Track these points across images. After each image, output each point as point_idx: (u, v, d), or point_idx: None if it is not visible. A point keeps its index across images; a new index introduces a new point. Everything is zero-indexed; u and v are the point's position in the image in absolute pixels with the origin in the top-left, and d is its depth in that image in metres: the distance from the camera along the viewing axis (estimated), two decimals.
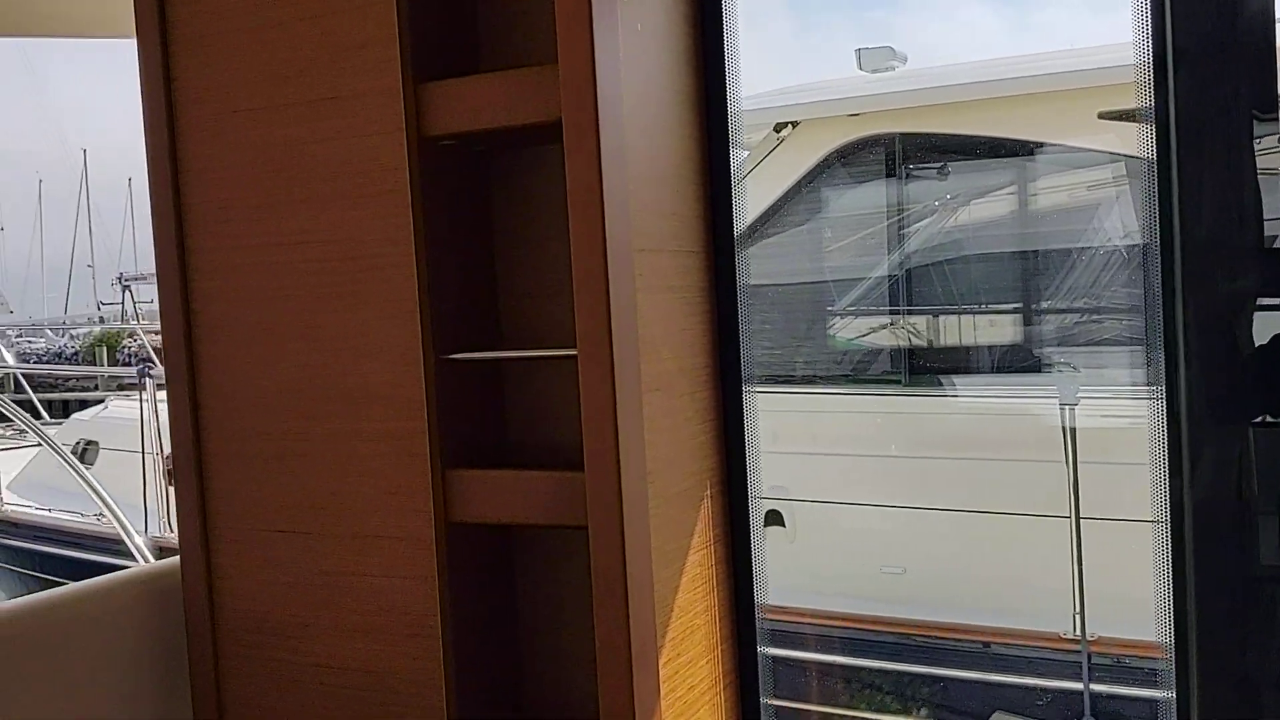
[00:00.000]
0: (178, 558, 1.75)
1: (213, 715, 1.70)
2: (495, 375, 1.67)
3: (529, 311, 1.67)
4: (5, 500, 7.73)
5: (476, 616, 1.60)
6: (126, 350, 30.88)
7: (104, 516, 5.27)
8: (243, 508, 1.66)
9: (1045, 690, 4.01)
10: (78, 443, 8.82)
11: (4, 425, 8.17)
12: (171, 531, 7.26)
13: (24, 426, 8.08)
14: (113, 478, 7.82)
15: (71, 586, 1.77)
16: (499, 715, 1.64)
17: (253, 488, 1.65)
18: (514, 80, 1.43)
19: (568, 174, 1.38)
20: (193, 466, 1.68)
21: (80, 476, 4.59)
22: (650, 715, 1.43)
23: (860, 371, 5.00)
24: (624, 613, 1.40)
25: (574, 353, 1.42)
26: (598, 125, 1.37)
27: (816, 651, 4.23)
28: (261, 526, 1.65)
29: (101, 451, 8.24)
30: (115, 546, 6.11)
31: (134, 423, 7.67)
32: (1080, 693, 3.88)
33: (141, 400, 7.21)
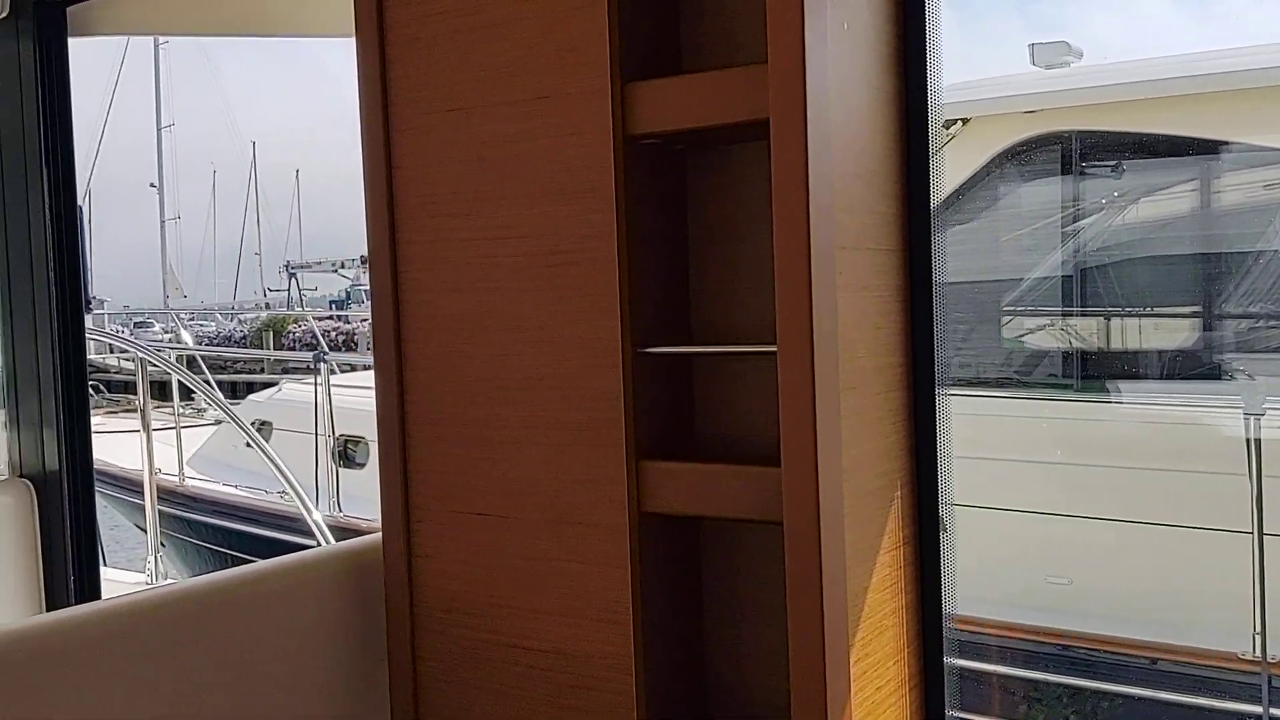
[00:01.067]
0: (378, 535, 1.84)
1: (409, 689, 1.77)
2: (686, 370, 1.70)
3: (718, 308, 1.70)
4: (186, 476, 8.15)
5: (665, 605, 1.63)
6: (291, 335, 32.20)
7: (286, 494, 5.51)
8: (443, 490, 1.73)
9: (1221, 712, 3.86)
10: (253, 422, 9.24)
11: (186, 403, 8.60)
12: (340, 511, 7.56)
13: (203, 405, 8.50)
14: (285, 458, 8.15)
15: (280, 559, 1.87)
16: (684, 701, 1.68)
17: (453, 471, 1.71)
18: (722, 80, 1.46)
19: (774, 172, 1.40)
20: (397, 448, 1.76)
21: (266, 455, 4.81)
22: (841, 713, 1.44)
23: (1025, 374, 4.89)
24: (818, 609, 1.41)
25: (772, 349, 1.43)
26: (805, 124, 1.38)
27: (985, 661, 4.16)
28: (460, 509, 1.71)
29: (275, 432, 8.63)
30: (291, 524, 6.40)
31: (305, 405, 8.01)
32: (1259, 717, 3.72)
33: (316, 384, 7.52)
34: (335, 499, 7.74)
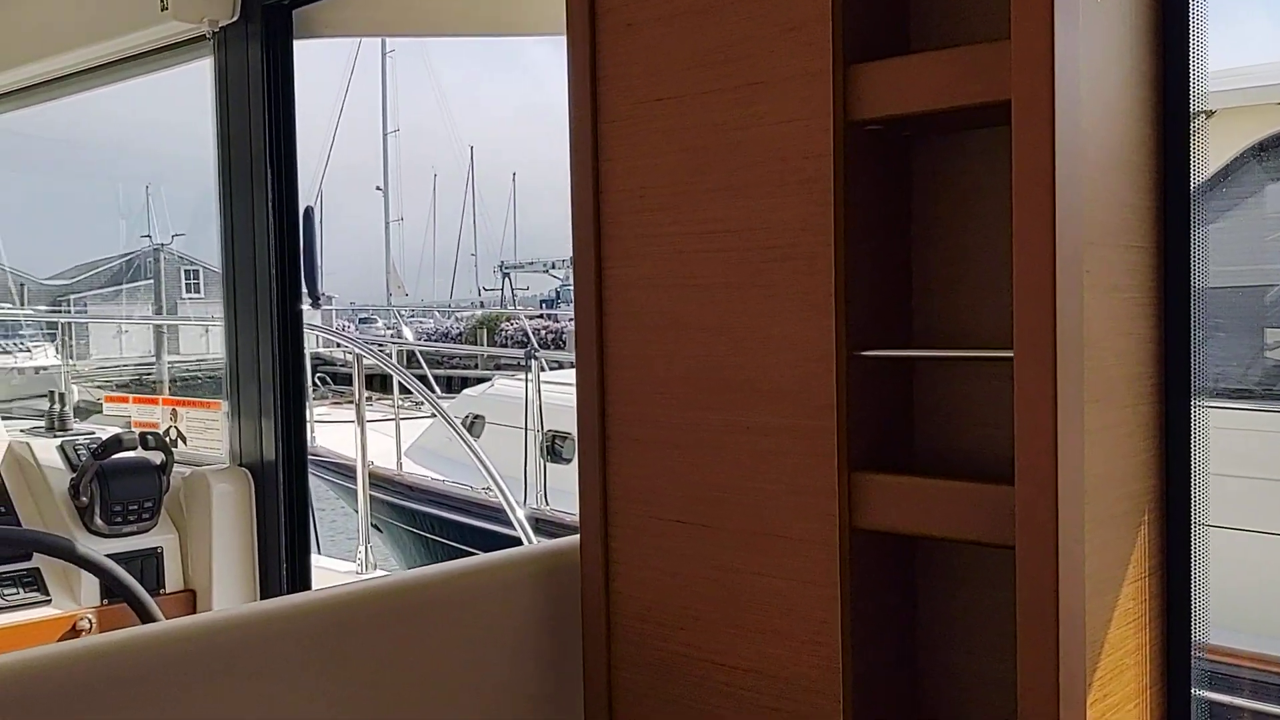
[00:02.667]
0: (575, 538, 1.78)
1: (603, 700, 1.71)
2: (906, 375, 1.58)
3: (942, 309, 1.56)
4: (403, 465, 8.45)
5: (876, 630, 1.51)
6: (504, 332, 33.20)
7: (490, 490, 5.62)
8: (643, 495, 1.66)
9: None
10: (467, 416, 9.51)
11: (405, 396, 8.92)
12: (547, 505, 7.67)
13: (421, 399, 8.79)
14: (495, 451, 8.36)
15: (480, 557, 1.84)
16: None
17: (653, 475, 1.64)
18: (957, 59, 1.33)
19: (1015, 159, 1.27)
20: (597, 450, 1.70)
21: (472, 451, 4.90)
22: None
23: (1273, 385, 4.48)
24: (1053, 644, 1.27)
25: (1008, 354, 1.30)
26: (1053, 106, 1.24)
27: (1237, 695, 3.82)
28: (659, 515, 1.64)
29: (487, 426, 8.85)
30: (497, 515, 6.52)
31: (516, 400, 8.18)
32: None
33: (526, 380, 7.67)
34: (543, 493, 7.87)
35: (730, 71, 1.51)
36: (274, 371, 2.80)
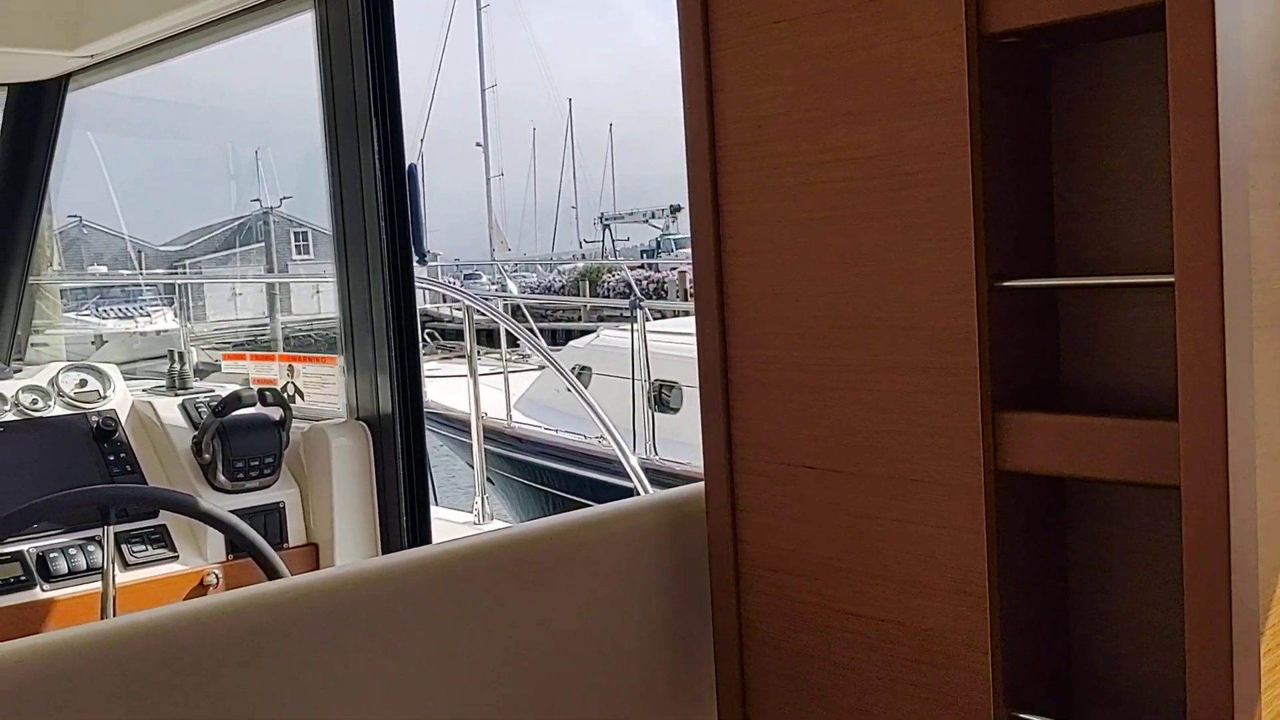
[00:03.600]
0: (698, 485, 1.73)
1: (734, 651, 1.66)
2: (1051, 306, 1.48)
3: (1088, 234, 1.46)
4: (513, 419, 8.53)
5: (1025, 577, 1.43)
6: (606, 284, 33.27)
7: (603, 438, 5.62)
8: (769, 440, 1.59)
9: None
10: (574, 367, 9.54)
11: (511, 350, 8.98)
12: (656, 454, 7.66)
13: (528, 351, 8.84)
14: (603, 401, 8.36)
15: (598, 508, 1.80)
16: (1046, 687, 1.47)
17: (780, 420, 1.57)
18: None
19: (1171, 66, 1.15)
20: (719, 395, 1.63)
21: (584, 400, 4.89)
22: (1250, 711, 1.20)
23: None
24: (1225, 589, 1.17)
25: (1167, 279, 1.19)
26: (1213, 5, 1.12)
27: None
28: (788, 461, 1.57)
29: (594, 377, 8.86)
30: (608, 465, 6.53)
31: (621, 351, 8.18)
32: None
33: (632, 331, 7.64)
34: (651, 442, 7.86)
35: None
36: (387, 326, 2.79)
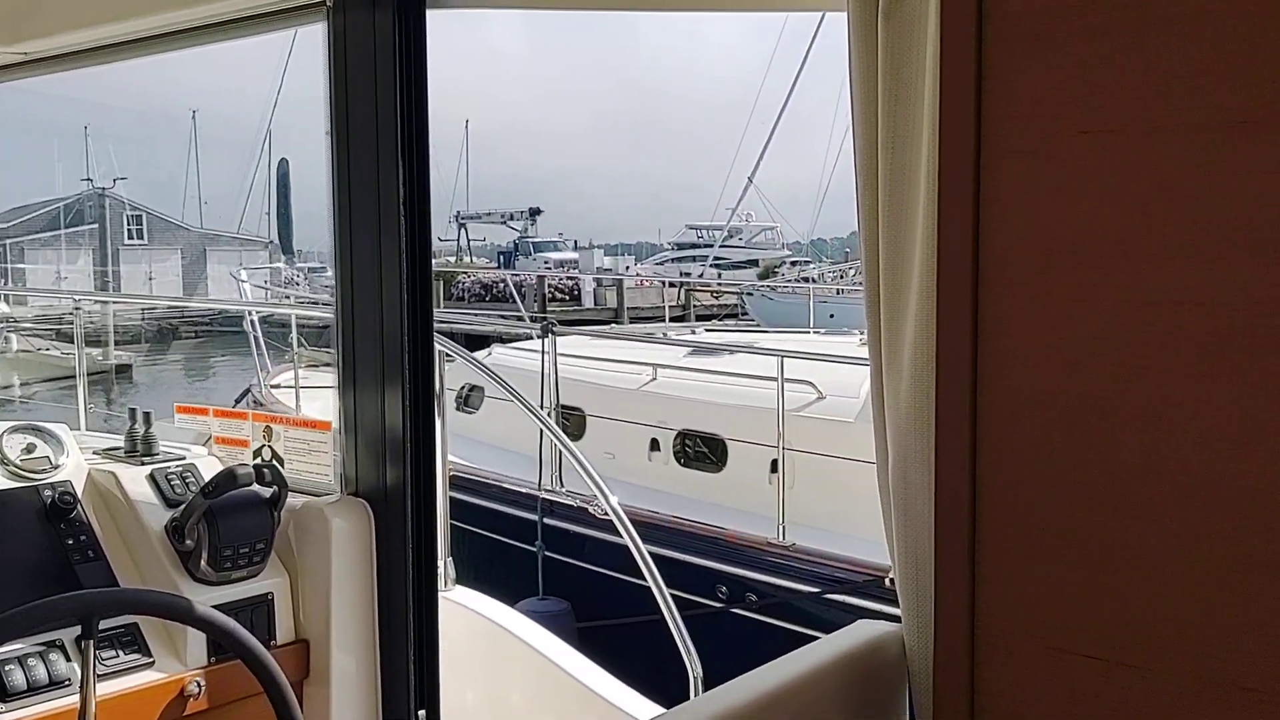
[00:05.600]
0: (885, 626, 1.48)
1: None
2: None
3: None
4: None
5: None
6: (460, 285, 32.55)
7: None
8: (1028, 619, 1.34)
9: None
10: (463, 387, 9.13)
11: None
12: (561, 485, 7.32)
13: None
14: (497, 427, 8.01)
15: (785, 659, 1.52)
16: None
17: (1050, 595, 1.32)
18: None
19: None
20: (964, 554, 1.38)
21: (565, 446, 4.49)
22: None
23: None
24: None
25: None
26: None
27: None
28: (1057, 645, 1.32)
29: (485, 399, 8.52)
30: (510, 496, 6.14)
31: (520, 371, 7.81)
32: None
33: (544, 350, 7.27)
34: (558, 474, 7.55)
35: (1204, 101, 1.18)
36: (403, 389, 2.44)
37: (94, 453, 2.60)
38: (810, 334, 11.91)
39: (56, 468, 2.40)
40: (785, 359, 6.50)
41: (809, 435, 6.69)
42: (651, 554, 7.36)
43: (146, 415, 2.61)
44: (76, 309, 9.37)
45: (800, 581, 6.37)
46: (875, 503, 1.57)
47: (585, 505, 7.38)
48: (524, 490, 7.34)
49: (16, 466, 2.35)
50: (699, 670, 2.92)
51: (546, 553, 7.35)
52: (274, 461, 2.72)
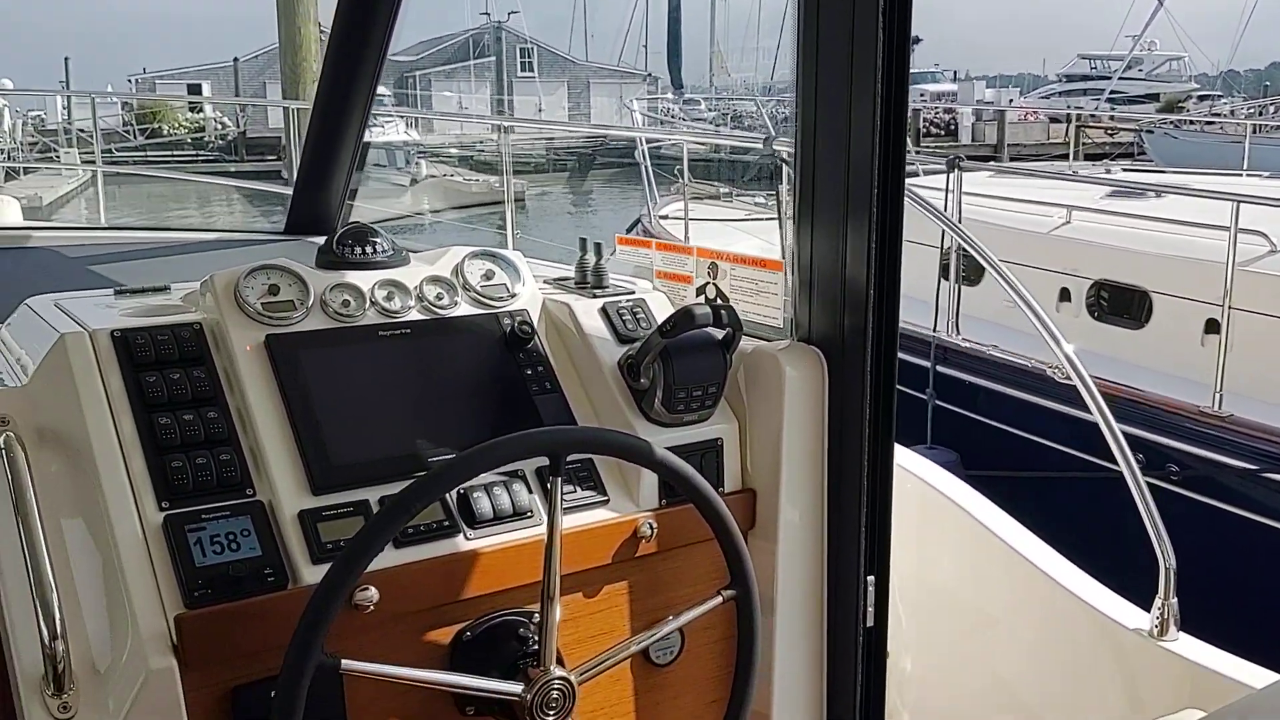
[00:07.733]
0: None
1: None
2: None
3: None
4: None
5: None
6: None
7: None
8: None
9: None
10: None
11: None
12: (958, 334, 6.90)
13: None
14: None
15: None
16: None
17: None
18: None
19: None
20: None
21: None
22: None
23: None
24: None
25: None
26: None
27: None
28: None
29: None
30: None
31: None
32: None
33: (947, 186, 6.79)
34: (954, 320, 7.16)
35: None
36: (869, 231, 2.20)
37: (544, 282, 2.55)
38: (1242, 176, 10.57)
39: (513, 296, 2.36)
40: (1240, 204, 5.69)
41: (1257, 293, 5.89)
42: (1053, 412, 6.88)
43: (598, 246, 2.52)
44: (507, 130, 9.75)
45: (1234, 457, 5.72)
46: None
47: (983, 353, 6.96)
48: (918, 335, 6.99)
49: (478, 293, 2.33)
50: (1172, 561, 2.57)
51: (937, 401, 7.04)
52: (718, 297, 2.58)
